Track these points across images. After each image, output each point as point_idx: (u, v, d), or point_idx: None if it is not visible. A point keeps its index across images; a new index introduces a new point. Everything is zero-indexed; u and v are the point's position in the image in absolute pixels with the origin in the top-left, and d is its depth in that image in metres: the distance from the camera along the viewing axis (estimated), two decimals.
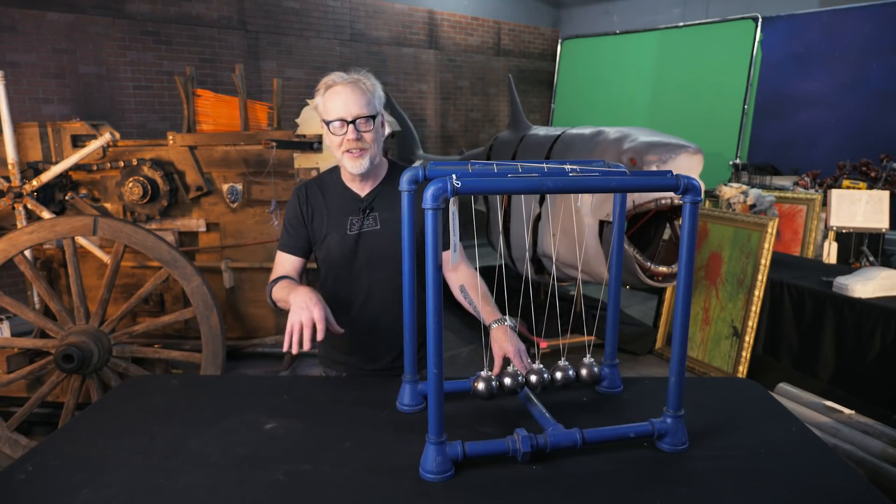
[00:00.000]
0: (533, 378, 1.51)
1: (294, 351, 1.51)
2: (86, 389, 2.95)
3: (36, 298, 3.37)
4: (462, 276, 1.87)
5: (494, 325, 1.71)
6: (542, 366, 1.53)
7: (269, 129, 3.43)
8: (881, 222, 3.74)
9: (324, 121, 1.76)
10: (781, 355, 3.88)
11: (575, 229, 3.73)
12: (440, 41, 8.54)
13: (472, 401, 1.59)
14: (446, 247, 1.76)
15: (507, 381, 1.49)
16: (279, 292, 1.74)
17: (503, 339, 1.66)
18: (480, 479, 1.28)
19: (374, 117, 1.74)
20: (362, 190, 1.87)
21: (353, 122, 1.71)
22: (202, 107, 3.45)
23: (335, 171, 1.92)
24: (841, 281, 3.49)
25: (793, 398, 3.03)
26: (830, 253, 3.90)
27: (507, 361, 1.64)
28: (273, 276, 1.89)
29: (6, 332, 3.27)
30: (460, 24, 8.74)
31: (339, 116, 1.71)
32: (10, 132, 3.17)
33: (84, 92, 5.66)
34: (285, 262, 1.89)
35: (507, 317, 1.74)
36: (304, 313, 1.54)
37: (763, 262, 3.91)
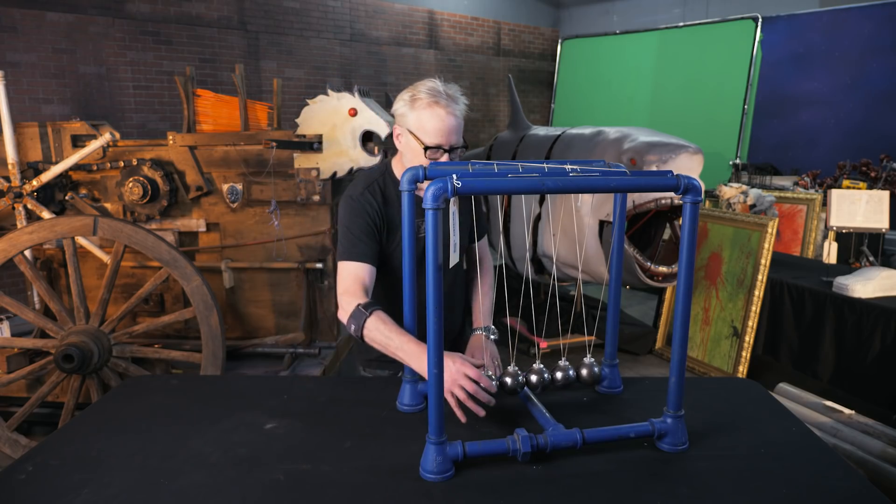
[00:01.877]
0: (533, 378, 1.51)
1: (476, 415, 1.47)
2: (86, 389, 2.95)
3: (36, 298, 3.36)
4: (480, 273, 1.99)
5: (477, 332, 1.86)
6: (542, 366, 1.53)
7: (269, 129, 3.43)
8: (881, 222, 3.73)
9: (420, 139, 1.73)
10: (781, 355, 3.88)
11: (575, 229, 3.73)
12: (440, 41, 8.53)
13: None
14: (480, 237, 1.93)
15: (508, 380, 1.49)
16: (391, 339, 1.58)
17: (475, 348, 1.82)
18: (480, 479, 1.28)
19: (464, 147, 1.81)
20: (420, 191, 1.87)
21: (450, 150, 1.74)
22: (202, 107, 3.45)
23: (386, 176, 1.88)
24: (841, 281, 3.49)
25: (793, 398, 3.03)
26: (830, 253, 3.89)
27: (507, 362, 1.65)
28: (355, 291, 1.73)
29: (6, 332, 3.27)
30: (460, 24, 8.73)
31: (439, 143, 1.72)
32: (10, 132, 3.17)
33: (84, 92, 5.65)
34: (363, 274, 1.77)
35: (491, 327, 1.89)
36: (466, 383, 1.46)
37: (763, 262, 3.91)
